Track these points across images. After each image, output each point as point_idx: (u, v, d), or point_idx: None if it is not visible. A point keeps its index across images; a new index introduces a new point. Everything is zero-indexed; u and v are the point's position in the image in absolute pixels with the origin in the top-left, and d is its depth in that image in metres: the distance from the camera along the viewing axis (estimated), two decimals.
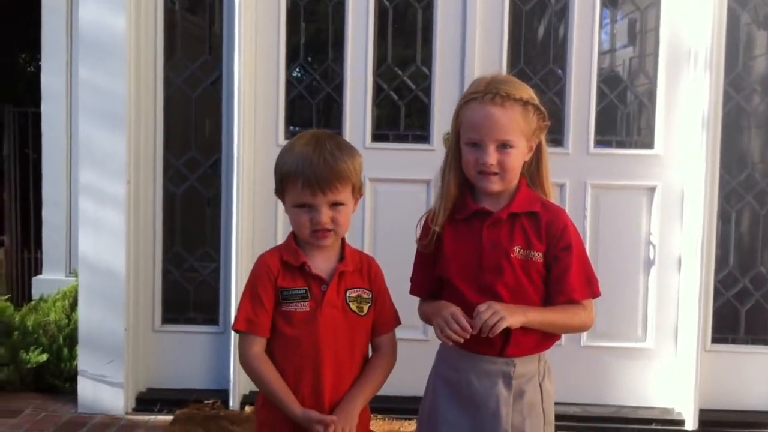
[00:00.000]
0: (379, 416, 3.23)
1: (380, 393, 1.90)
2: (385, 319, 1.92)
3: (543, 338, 1.87)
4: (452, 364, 1.89)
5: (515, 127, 1.81)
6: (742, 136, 3.44)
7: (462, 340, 1.74)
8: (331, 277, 1.84)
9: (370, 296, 1.89)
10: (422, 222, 1.96)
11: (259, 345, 1.84)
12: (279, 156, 1.87)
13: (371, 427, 1.99)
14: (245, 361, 1.85)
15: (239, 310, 1.86)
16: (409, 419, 3.20)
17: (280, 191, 1.87)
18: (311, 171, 1.78)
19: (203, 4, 3.53)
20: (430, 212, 1.94)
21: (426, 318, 1.97)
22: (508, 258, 1.82)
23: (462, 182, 1.90)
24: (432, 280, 1.93)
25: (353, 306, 1.85)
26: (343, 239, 1.90)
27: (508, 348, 1.82)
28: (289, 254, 1.85)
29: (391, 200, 3.41)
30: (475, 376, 1.85)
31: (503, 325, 1.72)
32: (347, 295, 1.85)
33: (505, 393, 1.83)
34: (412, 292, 1.99)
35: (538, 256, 1.83)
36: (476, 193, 1.89)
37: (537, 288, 1.84)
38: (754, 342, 3.45)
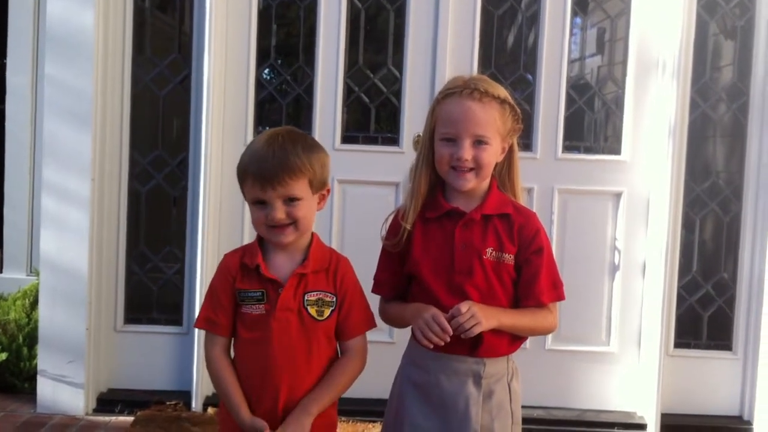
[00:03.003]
0: (343, 418, 3.21)
1: (345, 395, 1.87)
2: (353, 322, 1.85)
3: (513, 340, 1.88)
4: (421, 365, 1.88)
5: (492, 123, 1.81)
6: (707, 145, 3.49)
7: (443, 343, 1.74)
8: (288, 280, 1.80)
9: (334, 300, 1.83)
10: (389, 220, 1.94)
11: (219, 345, 1.83)
12: (242, 154, 1.85)
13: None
14: (207, 362, 1.85)
15: (201, 308, 1.87)
16: (374, 422, 3.19)
17: (241, 189, 1.84)
18: (258, 166, 1.75)
19: (173, 3, 3.50)
20: (399, 211, 1.92)
21: (391, 318, 1.95)
22: (481, 259, 1.82)
23: (433, 180, 1.89)
24: (398, 279, 1.92)
25: (311, 310, 1.80)
26: (314, 237, 1.86)
27: (480, 350, 1.82)
28: (248, 255, 1.83)
29: (359, 202, 3.39)
30: (444, 376, 1.84)
31: (478, 330, 1.72)
32: (305, 298, 1.80)
33: (474, 392, 1.83)
34: (376, 291, 1.96)
35: (509, 258, 1.84)
36: (448, 192, 1.89)
37: (506, 289, 1.85)
38: (716, 347, 3.49)
